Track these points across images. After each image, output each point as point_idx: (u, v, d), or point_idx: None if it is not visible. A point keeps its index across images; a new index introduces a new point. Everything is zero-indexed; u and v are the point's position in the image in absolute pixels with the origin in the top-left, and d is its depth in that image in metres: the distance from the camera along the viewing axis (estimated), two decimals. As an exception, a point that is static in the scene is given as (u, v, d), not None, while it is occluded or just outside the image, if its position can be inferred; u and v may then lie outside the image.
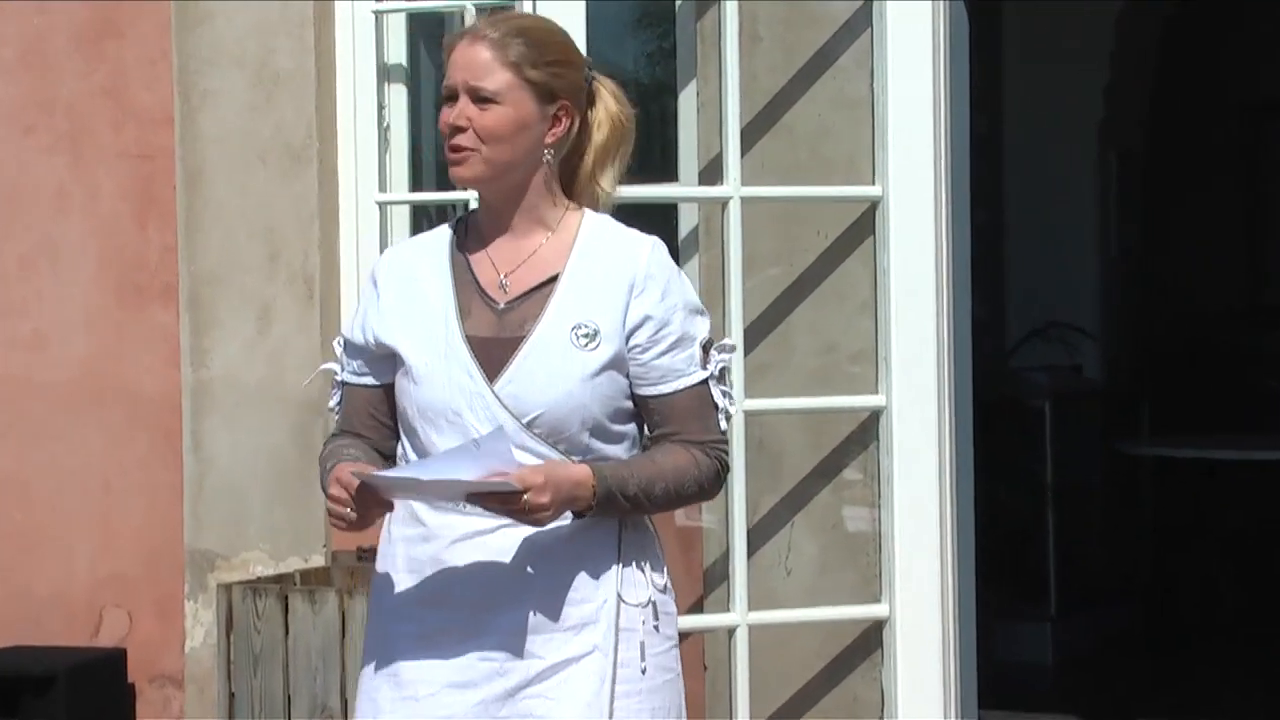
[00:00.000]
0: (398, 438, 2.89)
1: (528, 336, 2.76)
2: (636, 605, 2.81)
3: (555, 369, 2.75)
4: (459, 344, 2.76)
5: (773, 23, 4.58)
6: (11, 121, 5.42)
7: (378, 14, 5.29)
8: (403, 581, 2.81)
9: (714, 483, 2.85)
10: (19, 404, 5.43)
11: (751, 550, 4.44)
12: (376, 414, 2.89)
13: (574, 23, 4.08)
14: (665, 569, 2.89)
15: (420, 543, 2.79)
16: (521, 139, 2.78)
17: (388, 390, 2.86)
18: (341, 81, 5.27)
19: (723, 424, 2.86)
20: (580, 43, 4.03)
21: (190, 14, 5.26)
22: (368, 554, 5.08)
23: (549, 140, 2.81)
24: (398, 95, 5.38)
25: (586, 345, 2.76)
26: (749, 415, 4.33)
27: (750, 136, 4.51)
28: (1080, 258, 8.14)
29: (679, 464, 2.80)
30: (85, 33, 5.39)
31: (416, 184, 5.48)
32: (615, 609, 2.79)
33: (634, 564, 2.83)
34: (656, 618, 2.84)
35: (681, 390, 2.81)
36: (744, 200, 4.33)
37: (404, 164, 5.39)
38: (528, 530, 2.73)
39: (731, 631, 4.35)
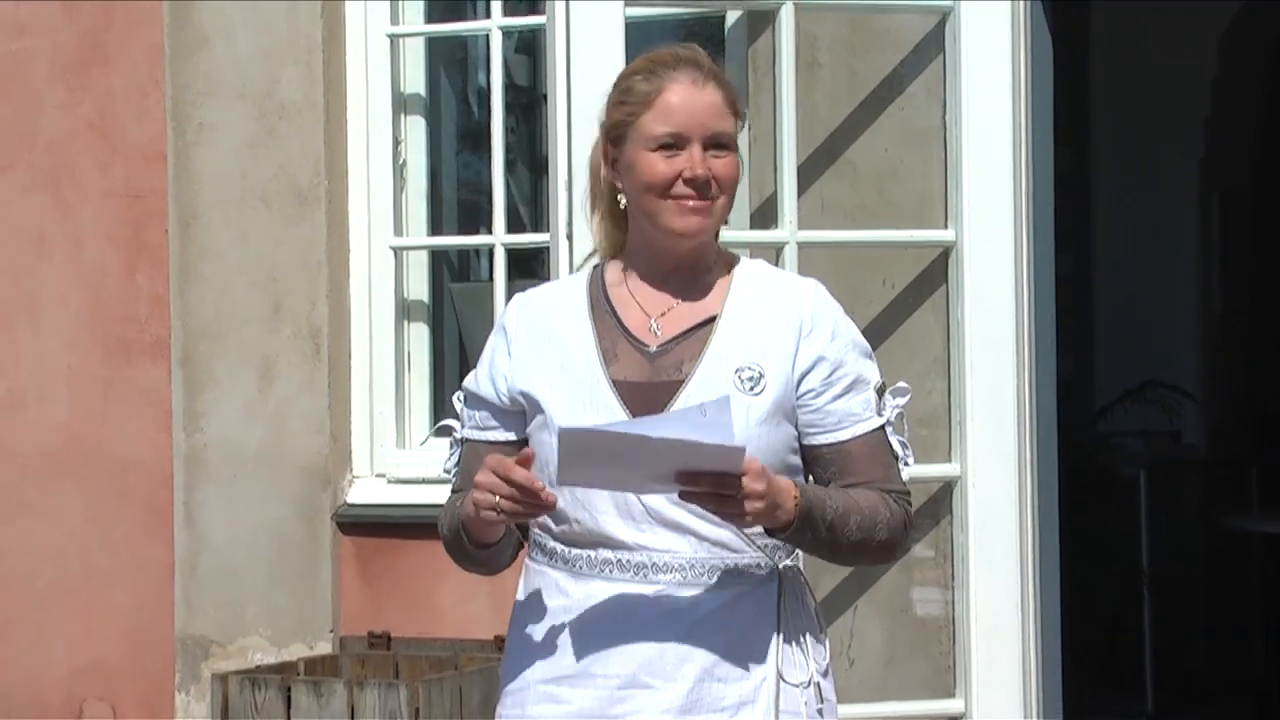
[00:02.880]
0: None
1: (686, 380, 2.83)
2: (797, 685, 2.86)
3: None
4: (605, 390, 2.83)
5: (834, 47, 4.61)
6: (-13, 158, 5.49)
7: (393, 38, 5.34)
8: (539, 658, 2.86)
9: (901, 535, 2.90)
10: (-8, 472, 5.48)
11: (810, 637, 4.43)
12: None
13: (612, 45, 4.11)
14: (828, 647, 2.94)
15: (563, 615, 2.85)
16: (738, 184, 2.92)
17: (514, 447, 2.90)
18: (353, 113, 5.32)
19: (903, 475, 2.93)
20: (619, 67, 4.08)
21: (185, 39, 5.32)
22: (379, 640, 5.10)
23: None
24: (415, 128, 5.43)
25: (751, 389, 2.83)
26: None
27: (808, 174, 4.53)
28: (1178, 310, 8.13)
29: (873, 503, 2.86)
30: (69, 59, 5.45)
31: (436, 227, 5.52)
32: (775, 688, 2.84)
33: (794, 639, 2.88)
34: (820, 701, 2.89)
35: (860, 436, 2.88)
36: (801, 245, 4.35)
37: (422, 205, 5.43)
38: (682, 599, 2.80)
39: (787, 729, 4.34)
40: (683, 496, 2.67)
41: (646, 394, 2.82)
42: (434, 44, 5.52)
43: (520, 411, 2.90)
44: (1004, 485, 4.38)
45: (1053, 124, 4.54)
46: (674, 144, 2.83)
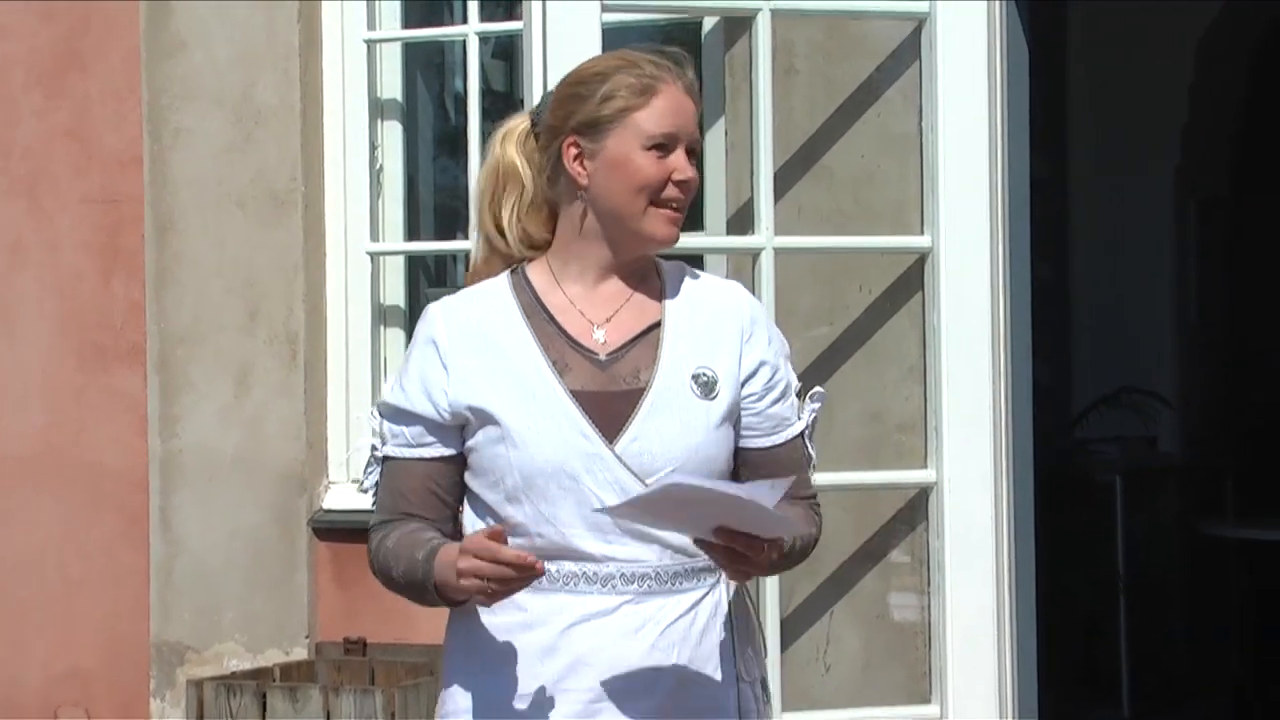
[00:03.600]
0: (455, 518, 2.91)
1: (648, 388, 2.83)
2: (750, 683, 2.89)
3: (683, 421, 2.82)
4: (564, 400, 2.80)
5: (811, 53, 4.61)
6: (-38, 163, 5.48)
7: (370, 44, 5.34)
8: (498, 678, 2.83)
9: (816, 543, 2.97)
10: (-33, 478, 5.46)
11: (785, 643, 4.44)
12: (437, 490, 2.89)
13: (589, 51, 4.11)
14: (765, 642, 3.00)
15: (520, 631, 2.82)
16: None
17: (448, 463, 2.88)
18: (330, 118, 5.31)
19: (812, 480, 2.98)
20: (595, 75, 4.08)
21: (162, 44, 5.32)
22: (355, 646, 5.09)
23: None
24: (392, 133, 5.42)
25: (708, 394, 2.84)
26: (783, 491, 4.33)
27: (785, 180, 4.54)
28: (1155, 316, 8.15)
29: (801, 517, 2.91)
30: (45, 65, 5.44)
31: (412, 233, 5.52)
32: (735, 687, 2.87)
33: (745, 638, 2.91)
34: (767, 696, 2.93)
35: (788, 441, 2.92)
36: (778, 251, 4.35)
37: (399, 210, 5.43)
38: (648, 607, 2.80)
39: (764, 734, 4.35)
40: (702, 544, 2.70)
41: (607, 404, 2.81)
42: (411, 49, 5.52)
43: (460, 426, 2.85)
44: (980, 491, 4.39)
45: (1029, 130, 4.55)
46: (666, 145, 2.83)
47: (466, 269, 5.34)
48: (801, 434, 2.93)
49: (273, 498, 5.22)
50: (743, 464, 2.90)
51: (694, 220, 5.11)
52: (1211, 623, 7.72)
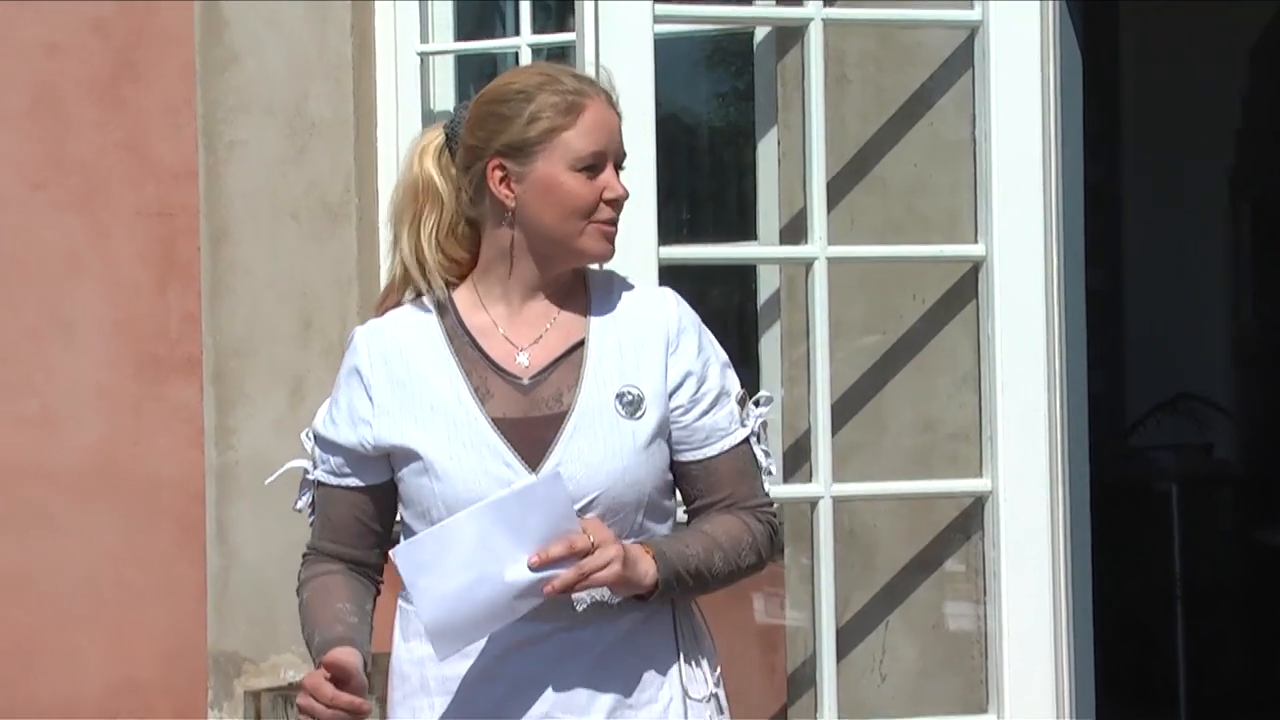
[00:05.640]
0: (388, 540, 2.90)
1: (570, 411, 2.78)
2: (700, 700, 2.86)
3: (607, 444, 2.77)
4: (485, 429, 2.77)
5: (863, 62, 4.62)
6: (19, 178, 5.49)
7: (423, 56, 5.36)
8: (437, 706, 2.84)
9: (769, 549, 2.90)
10: (24, 490, 5.48)
11: (841, 653, 4.43)
12: (364, 518, 2.91)
13: (641, 60, 4.11)
14: (717, 652, 2.94)
15: (458, 659, 2.80)
16: None
17: (376, 492, 2.88)
18: (383, 130, 5.34)
19: (766, 486, 2.92)
20: (648, 83, 4.09)
21: (216, 57, 5.35)
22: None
23: None
24: (445, 145, 5.44)
25: (634, 414, 2.79)
26: (837, 501, 4.34)
27: (838, 189, 4.54)
28: (1210, 322, 8.12)
29: (732, 532, 2.85)
30: (101, 79, 5.48)
31: (465, 244, 5.54)
32: (683, 706, 2.83)
33: (693, 656, 2.87)
34: (720, 712, 2.89)
35: (726, 451, 2.86)
36: (831, 261, 4.35)
37: (452, 222, 5.45)
38: (585, 633, 2.78)
39: (819, 744, 4.35)
40: (550, 591, 2.64)
41: (528, 429, 2.77)
42: (463, 61, 5.54)
43: (384, 457, 2.84)
44: (1035, 500, 4.38)
45: (1083, 137, 4.55)
46: (596, 164, 2.78)
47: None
48: (746, 440, 2.88)
49: (328, 509, 5.24)
50: (682, 478, 2.87)
51: (747, 230, 5.12)
52: (1270, 632, 7.68)
